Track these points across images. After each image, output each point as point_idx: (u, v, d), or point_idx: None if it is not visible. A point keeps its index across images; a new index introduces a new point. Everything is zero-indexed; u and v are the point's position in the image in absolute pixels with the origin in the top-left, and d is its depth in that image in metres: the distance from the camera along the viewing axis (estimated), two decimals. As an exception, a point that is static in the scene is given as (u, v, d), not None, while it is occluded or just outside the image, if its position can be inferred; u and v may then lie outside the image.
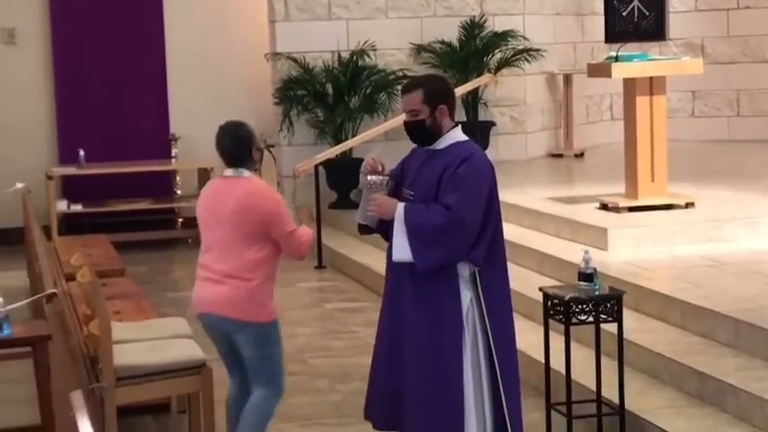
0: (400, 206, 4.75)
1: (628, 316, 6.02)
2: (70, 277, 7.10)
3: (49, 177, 11.74)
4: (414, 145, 5.02)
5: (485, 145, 11.71)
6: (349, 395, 6.65)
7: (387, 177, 4.86)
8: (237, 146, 5.33)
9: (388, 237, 4.91)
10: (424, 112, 4.82)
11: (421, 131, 4.86)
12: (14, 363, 6.12)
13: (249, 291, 5.20)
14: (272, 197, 5.32)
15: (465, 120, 12.00)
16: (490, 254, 4.77)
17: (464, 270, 4.77)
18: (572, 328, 5.75)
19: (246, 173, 5.33)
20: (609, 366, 5.87)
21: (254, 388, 5.37)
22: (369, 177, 4.85)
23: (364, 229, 5.07)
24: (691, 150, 12.26)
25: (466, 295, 4.77)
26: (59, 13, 12.28)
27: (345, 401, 6.60)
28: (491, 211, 4.76)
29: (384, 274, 5.05)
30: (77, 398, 3.74)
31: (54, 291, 5.91)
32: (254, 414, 5.34)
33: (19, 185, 9.74)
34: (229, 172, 5.35)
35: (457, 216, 4.65)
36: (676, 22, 13.97)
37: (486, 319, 4.77)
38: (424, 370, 4.73)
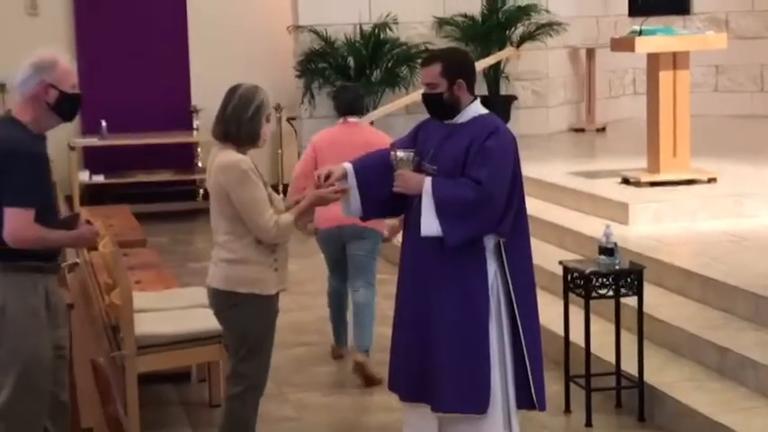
0: (428, 181, 4.74)
1: (648, 290, 6.02)
2: (92, 247, 7.13)
3: (72, 148, 11.79)
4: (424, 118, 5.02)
5: (506, 119, 11.68)
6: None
7: (412, 152, 4.83)
8: (362, 99, 7.19)
9: (383, 215, 5.02)
10: (442, 85, 4.81)
11: (438, 105, 4.85)
12: None
13: None
14: None
15: (486, 94, 11.97)
16: (514, 225, 4.78)
17: (489, 242, 4.77)
18: (592, 302, 5.76)
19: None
20: (628, 340, 5.88)
21: (358, 284, 6.67)
22: (394, 153, 4.83)
23: (364, 218, 5.11)
24: (713, 125, 12.20)
25: (491, 267, 4.78)
26: (82, -16, 12.30)
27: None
28: (515, 183, 4.76)
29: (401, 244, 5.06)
30: (99, 366, 3.76)
31: (76, 260, 5.95)
32: (369, 307, 6.66)
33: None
34: (353, 119, 6.88)
35: (487, 190, 4.65)
36: (700, -3, 13.91)
37: (511, 290, 4.78)
38: (451, 341, 4.73)
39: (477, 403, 4.74)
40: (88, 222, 4.70)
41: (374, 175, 4.90)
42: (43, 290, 4.45)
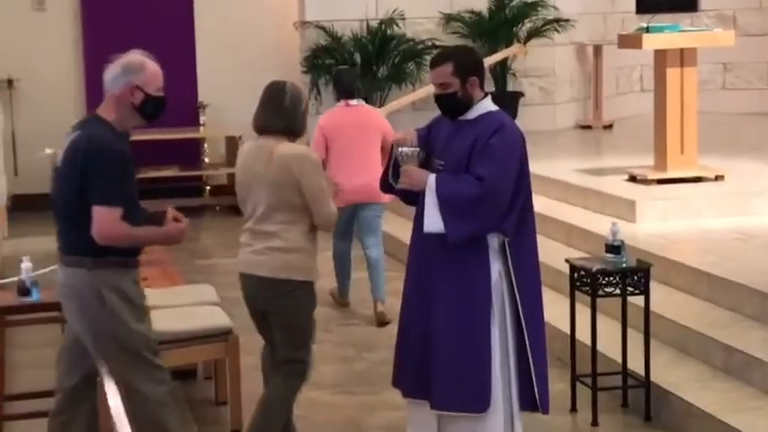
0: (431, 177, 4.74)
1: (655, 288, 6.01)
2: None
3: (78, 144, 11.79)
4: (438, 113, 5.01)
5: (513, 115, 11.66)
6: (375, 364, 6.67)
7: (417, 149, 4.84)
8: (358, 82, 8.04)
9: (407, 200, 4.95)
10: (455, 84, 4.80)
11: (452, 104, 4.84)
12: (43, 327, 6.18)
13: None
14: None
15: (493, 90, 11.96)
16: (520, 225, 4.76)
17: (493, 241, 4.76)
18: (598, 301, 5.75)
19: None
20: (635, 339, 5.87)
21: (371, 242, 7.76)
22: (400, 149, 4.83)
23: (386, 187, 5.07)
24: (721, 123, 12.17)
25: (495, 266, 4.76)
26: (89, -21, 12.30)
27: (372, 370, 6.63)
28: (522, 182, 4.75)
29: (409, 243, 5.05)
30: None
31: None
32: (382, 261, 7.80)
33: (48, 151, 9.80)
34: (353, 102, 7.67)
35: (489, 187, 4.64)
36: (708, -6, 13.88)
37: (516, 290, 4.77)
38: (452, 338, 4.74)
39: (476, 402, 4.73)
40: (176, 220, 4.74)
41: None
42: (132, 282, 4.62)
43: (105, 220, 4.42)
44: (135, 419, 4.22)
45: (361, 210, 7.66)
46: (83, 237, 4.47)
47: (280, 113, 5.10)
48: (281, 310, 5.08)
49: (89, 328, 4.55)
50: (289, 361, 5.13)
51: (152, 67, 4.72)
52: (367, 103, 11.63)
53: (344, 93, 7.69)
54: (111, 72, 4.65)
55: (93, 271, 4.50)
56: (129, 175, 4.56)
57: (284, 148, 5.05)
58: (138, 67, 4.67)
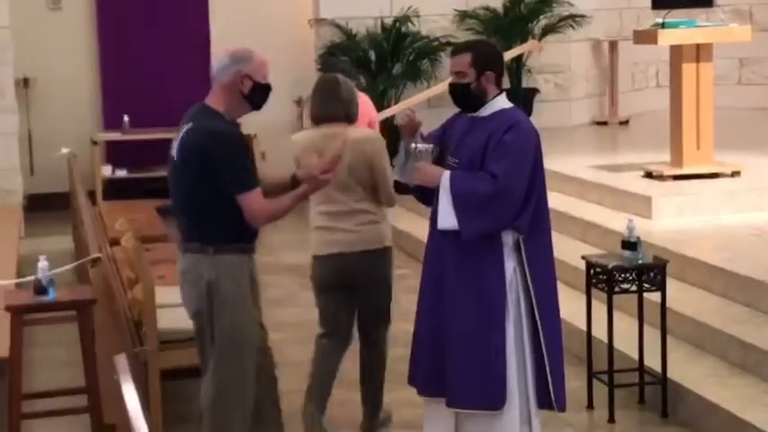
0: (446, 174, 4.74)
1: (671, 285, 5.99)
2: (115, 242, 7.15)
3: (94, 143, 11.83)
4: (455, 111, 5.01)
5: (528, 112, 11.64)
6: (391, 361, 6.63)
7: (432, 145, 4.83)
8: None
9: (422, 198, 4.93)
10: (470, 75, 4.80)
11: (465, 95, 4.84)
12: (59, 326, 6.19)
13: None
14: None
15: (509, 86, 11.94)
16: (534, 222, 4.76)
17: (508, 238, 4.75)
18: (615, 297, 5.73)
19: None
20: (651, 335, 5.86)
21: None
22: (414, 145, 4.83)
23: (401, 188, 5.09)
24: (737, 118, 12.13)
25: (509, 263, 4.75)
26: (104, -22, 12.33)
27: (388, 367, 6.60)
28: (536, 179, 4.74)
29: (425, 241, 5.05)
30: (121, 361, 3.78)
31: (99, 255, 5.97)
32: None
33: (65, 151, 9.82)
34: None
35: (503, 184, 4.64)
36: (724, -11, 13.82)
37: (531, 288, 4.76)
38: (467, 336, 4.74)
39: (492, 399, 4.73)
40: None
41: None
42: (248, 269, 4.74)
43: (254, 205, 4.59)
44: (211, 402, 4.67)
45: None
46: (204, 225, 4.64)
47: (341, 102, 5.58)
48: (380, 279, 5.57)
49: (202, 313, 4.71)
50: (382, 340, 5.70)
51: (259, 56, 4.81)
52: (382, 100, 11.69)
53: None
54: (220, 62, 4.76)
55: (212, 258, 4.63)
56: (250, 157, 4.71)
57: (355, 132, 5.54)
58: (246, 56, 4.76)
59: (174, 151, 4.70)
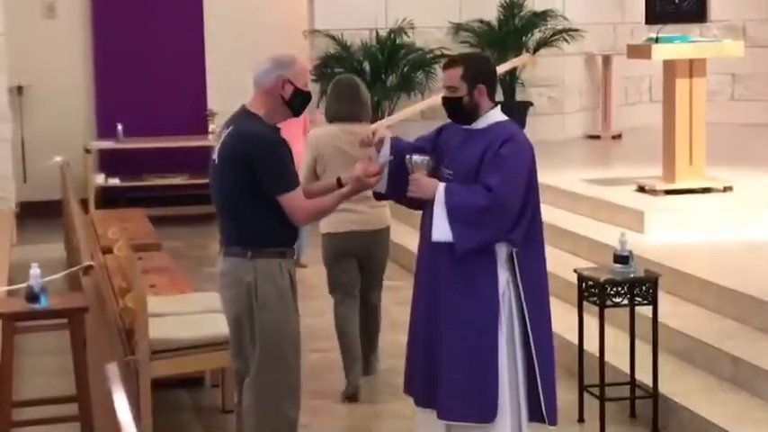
0: (441, 187, 4.73)
1: (663, 299, 6.00)
2: (107, 250, 7.15)
3: (88, 151, 11.83)
4: (448, 123, 5.01)
5: (522, 125, 11.66)
6: (383, 373, 6.67)
7: (428, 157, 4.82)
8: None
9: (411, 204, 4.94)
10: (462, 89, 4.80)
11: (458, 109, 4.85)
12: (51, 334, 6.18)
13: None
14: None
15: (502, 100, 11.96)
16: (528, 235, 4.75)
17: (501, 250, 4.75)
18: (606, 311, 5.74)
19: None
20: (643, 349, 5.86)
21: None
22: (409, 156, 4.83)
23: (379, 195, 5.10)
24: (730, 134, 12.15)
25: (503, 275, 4.75)
26: (99, -13, 12.33)
27: (379, 379, 6.62)
28: (530, 192, 4.74)
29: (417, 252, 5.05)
30: (113, 370, 3.78)
31: (91, 263, 5.96)
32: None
33: (58, 159, 9.83)
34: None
35: (498, 197, 4.64)
36: (717, 4, 13.88)
37: (523, 300, 4.76)
38: (459, 349, 4.73)
39: (482, 412, 4.72)
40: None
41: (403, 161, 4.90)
42: (287, 272, 4.79)
43: (296, 205, 4.71)
44: (255, 406, 4.73)
45: None
46: (245, 228, 4.73)
47: (362, 103, 6.44)
48: (382, 251, 6.59)
49: (241, 316, 4.77)
50: (380, 282, 6.72)
51: (301, 63, 4.88)
52: (376, 111, 11.75)
53: None
54: (262, 67, 4.80)
55: (251, 261, 4.71)
56: (291, 158, 4.79)
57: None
58: (289, 62, 4.80)
59: (215, 155, 4.81)
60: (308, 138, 6.53)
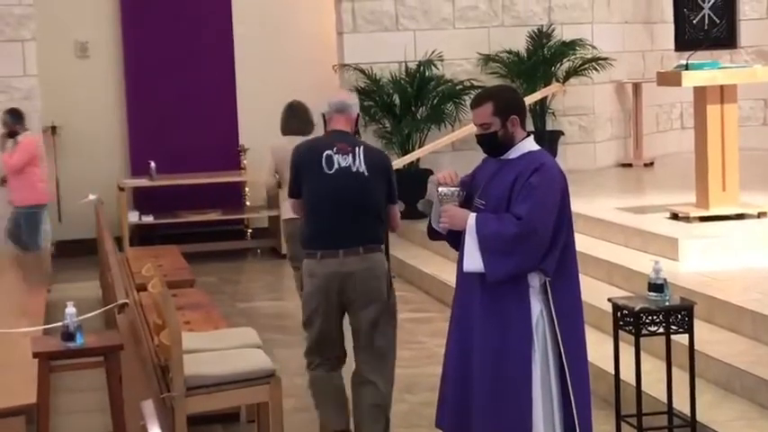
0: (471, 217, 4.74)
1: (699, 327, 5.95)
2: (141, 288, 7.18)
3: (121, 189, 11.91)
4: (479, 154, 5.01)
5: (553, 154, 11.62)
6: (417, 405, 6.65)
7: (458, 188, 4.84)
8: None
9: (455, 244, 4.92)
10: (496, 124, 4.80)
11: (494, 143, 4.85)
12: (87, 372, 6.20)
13: None
14: None
15: (533, 129, 11.96)
16: (561, 264, 4.74)
17: (534, 280, 4.74)
18: (642, 340, 5.70)
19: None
20: (680, 378, 5.81)
21: None
22: (440, 189, 4.84)
23: (434, 235, 5.08)
24: (763, 159, 12.09)
25: (536, 306, 4.74)
26: (131, 27, 12.45)
27: (413, 411, 6.59)
28: (562, 221, 4.73)
29: (454, 284, 5.04)
30: (148, 407, 3.79)
31: (126, 301, 5.99)
32: None
33: (92, 197, 9.89)
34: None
35: (528, 226, 4.63)
36: (747, 30, 13.83)
37: (557, 330, 4.74)
38: (492, 379, 4.72)
39: None
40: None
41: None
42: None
43: (397, 214, 5.91)
44: (380, 367, 5.77)
45: None
46: (381, 228, 5.80)
47: (308, 121, 8.03)
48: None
49: (377, 300, 5.71)
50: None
51: None
52: (407, 143, 11.80)
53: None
54: (352, 100, 5.99)
55: (383, 255, 5.79)
56: None
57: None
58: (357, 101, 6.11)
59: (356, 166, 5.66)
60: (271, 149, 8.00)
